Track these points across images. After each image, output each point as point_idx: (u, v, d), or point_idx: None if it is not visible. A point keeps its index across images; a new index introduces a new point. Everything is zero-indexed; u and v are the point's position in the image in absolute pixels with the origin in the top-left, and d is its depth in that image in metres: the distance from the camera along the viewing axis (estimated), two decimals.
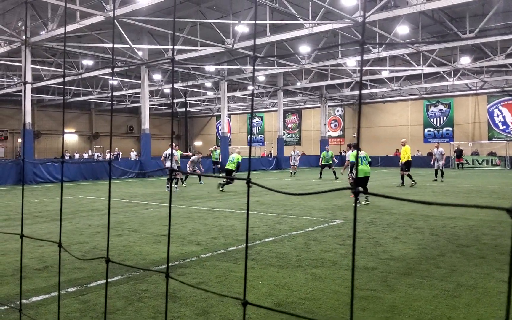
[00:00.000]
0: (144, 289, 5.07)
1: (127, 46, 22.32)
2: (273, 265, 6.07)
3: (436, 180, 21.13)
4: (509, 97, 36.73)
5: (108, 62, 28.36)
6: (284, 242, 7.61)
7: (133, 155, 39.24)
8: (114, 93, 39.83)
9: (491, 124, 37.80)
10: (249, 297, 4.78)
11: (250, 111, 53.27)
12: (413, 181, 18.46)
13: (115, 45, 23.22)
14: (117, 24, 18.97)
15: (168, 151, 17.95)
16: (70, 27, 18.51)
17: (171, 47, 23.00)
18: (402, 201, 1.26)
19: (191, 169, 21.15)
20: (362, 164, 12.41)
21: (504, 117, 37.28)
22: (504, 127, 37.20)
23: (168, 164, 17.72)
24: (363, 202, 12.50)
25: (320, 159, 24.53)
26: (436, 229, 8.45)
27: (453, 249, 6.89)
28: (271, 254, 6.70)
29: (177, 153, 17.92)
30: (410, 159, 18.70)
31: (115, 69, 28.38)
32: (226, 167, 17.65)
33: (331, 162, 23.88)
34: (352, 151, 13.75)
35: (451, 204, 1.17)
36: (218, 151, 27.35)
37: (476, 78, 34.16)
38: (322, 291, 4.97)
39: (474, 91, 38.05)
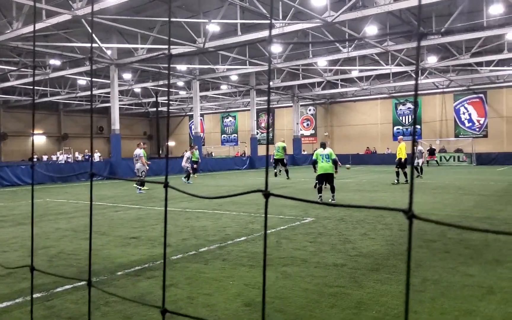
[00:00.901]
0: (111, 293, 4.98)
1: (96, 45, 21.89)
2: (244, 264, 6.07)
3: (418, 176, 21.55)
4: (475, 95, 37.87)
5: (77, 61, 27.75)
6: (256, 241, 7.62)
7: (96, 156, 38.45)
8: (82, 93, 39.01)
9: (458, 122, 38.88)
10: (219, 297, 4.77)
11: (223, 110, 53.17)
12: (398, 180, 18.43)
13: (82, 44, 22.76)
14: (85, 23, 18.57)
15: (136, 151, 17.63)
16: (36, 26, 17.99)
17: (141, 46, 22.71)
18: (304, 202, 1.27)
19: (187, 166, 21.36)
20: (322, 162, 12.62)
21: (470, 115, 38.40)
22: (470, 124, 38.32)
23: (138, 165, 17.44)
24: (329, 200, 12.61)
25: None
26: (404, 225, 8.62)
27: (420, 244, 7.05)
28: (242, 253, 6.70)
29: (142, 151, 17.50)
30: (405, 156, 18.55)
31: (85, 69, 27.77)
32: (275, 158, 19.92)
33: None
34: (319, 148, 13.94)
35: (351, 206, 1.19)
36: (196, 152, 26.85)
37: (443, 77, 35.06)
38: (291, 289, 5.00)
39: (441, 90, 39.05)
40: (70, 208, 12.55)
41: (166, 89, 40.68)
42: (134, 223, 9.70)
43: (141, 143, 18.11)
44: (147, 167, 18.08)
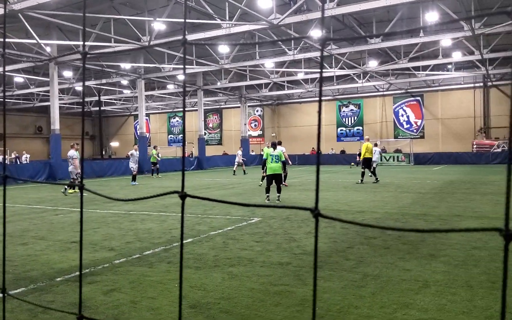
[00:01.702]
0: (50, 299, 4.79)
1: (34, 41, 20.87)
2: (190, 266, 6.02)
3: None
4: (412, 98, 39.79)
5: (12, 58, 26.29)
6: (203, 242, 7.59)
7: (24, 158, 36.44)
8: (20, 91, 37.00)
9: (397, 123, 40.67)
10: (163, 301, 4.70)
11: (170, 110, 52.36)
12: (362, 179, 18.64)
13: (20, 40, 21.61)
14: (22, 18, 17.64)
15: (70, 152, 16.95)
16: None
17: (82, 43, 21.87)
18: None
19: (134, 166, 20.53)
20: (272, 162, 12.94)
21: (408, 117, 40.29)
22: (408, 126, 40.20)
23: (70, 167, 16.79)
24: (276, 201, 12.86)
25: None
26: (346, 223, 8.90)
27: (361, 241, 7.31)
28: (188, 255, 6.64)
29: (76, 154, 16.86)
30: (371, 156, 18.97)
31: (23, 66, 26.31)
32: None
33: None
34: (269, 148, 14.10)
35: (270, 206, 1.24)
36: (155, 151, 26.16)
37: (383, 80, 36.53)
38: (237, 289, 5.02)
39: (382, 93, 40.69)
40: (6, 212, 11.86)
41: (110, 88, 39.51)
42: (75, 226, 9.34)
43: (75, 144, 17.30)
44: (79, 171, 17.37)
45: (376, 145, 24.15)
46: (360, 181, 18.71)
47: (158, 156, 25.85)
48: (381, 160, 34.71)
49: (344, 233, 7.95)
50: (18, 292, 5.06)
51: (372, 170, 19.40)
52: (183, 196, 1.32)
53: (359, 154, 27.06)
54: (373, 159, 21.02)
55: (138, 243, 7.57)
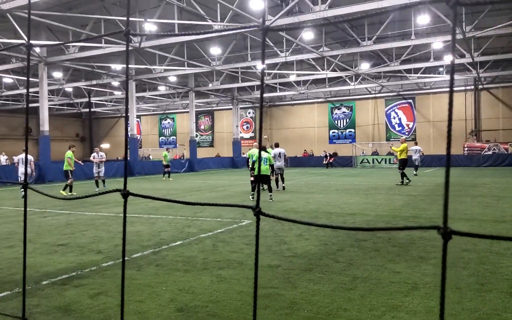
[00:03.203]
0: (35, 304, 4.69)
1: (22, 41, 20.64)
2: (179, 269, 5.96)
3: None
4: (404, 101, 39.99)
5: (2, 58, 26.05)
6: (192, 245, 7.52)
7: (3, 159, 35.68)
8: (9, 92, 36.63)
9: (389, 126, 40.85)
10: (151, 304, 4.63)
11: (161, 112, 52.15)
12: (408, 179, 18.19)
13: (8, 40, 21.39)
14: (10, 18, 17.46)
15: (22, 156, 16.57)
16: None
17: (72, 44, 21.71)
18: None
19: (97, 171, 18.08)
20: (265, 164, 14.14)
21: (400, 119, 40.49)
22: (400, 128, 40.40)
23: (21, 169, 16.46)
24: (269, 199, 13.47)
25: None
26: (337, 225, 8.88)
27: (352, 243, 7.29)
28: (177, 258, 6.57)
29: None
30: (405, 157, 18.29)
31: (12, 66, 26.02)
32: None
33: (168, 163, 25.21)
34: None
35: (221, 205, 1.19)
36: (167, 153, 25.99)
37: (375, 83, 36.69)
38: (226, 292, 4.97)
39: (374, 95, 40.85)
40: None
41: (101, 89, 39.26)
42: (63, 229, 9.22)
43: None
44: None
45: (416, 144, 24.49)
46: (403, 182, 17.99)
47: (168, 159, 25.74)
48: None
49: (335, 236, 7.92)
50: (3, 296, 4.97)
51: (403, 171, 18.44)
52: (125, 194, 1.28)
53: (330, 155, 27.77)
54: (413, 158, 21.06)
55: (127, 246, 7.48)
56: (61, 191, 16.52)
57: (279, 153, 16.87)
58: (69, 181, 16.42)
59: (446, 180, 1.03)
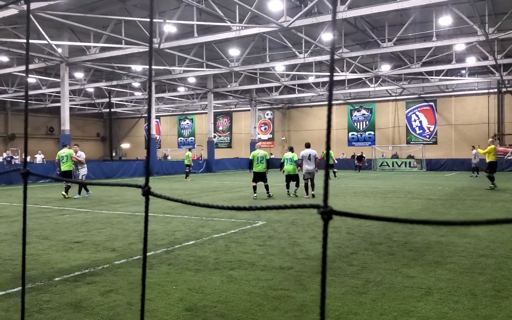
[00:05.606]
0: (47, 299, 4.75)
1: (45, 42, 21.07)
2: (190, 269, 5.95)
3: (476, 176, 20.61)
4: (425, 104, 39.38)
5: (24, 58, 26.60)
6: (205, 245, 7.51)
7: (40, 158, 36.47)
8: (32, 92, 37.42)
9: (409, 129, 40.28)
10: (160, 303, 4.64)
11: (180, 112, 52.54)
12: (493, 184, 17.19)
13: (32, 41, 21.82)
14: (33, 19, 17.82)
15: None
16: None
17: (93, 44, 22.03)
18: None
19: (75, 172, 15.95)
20: (287, 164, 15.18)
21: (420, 122, 39.89)
22: (421, 131, 39.80)
23: (83, 170, 16.22)
24: (266, 195, 15.00)
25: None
26: (352, 228, 8.76)
27: (366, 247, 7.17)
28: (189, 258, 6.58)
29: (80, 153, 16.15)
30: (493, 159, 17.07)
31: (35, 66, 26.56)
32: (255, 171, 14.84)
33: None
34: (287, 152, 15.95)
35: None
36: (190, 154, 26.19)
37: (396, 85, 36.23)
38: (236, 293, 4.94)
39: (394, 97, 40.35)
40: (13, 211, 11.95)
41: (122, 90, 39.77)
42: (79, 227, 9.34)
43: (75, 145, 16.52)
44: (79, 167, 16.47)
45: (473, 148, 24.23)
46: (495, 185, 17.17)
47: (190, 159, 25.81)
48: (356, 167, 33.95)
49: (349, 239, 7.82)
50: (16, 291, 5.04)
51: (489, 174, 17.39)
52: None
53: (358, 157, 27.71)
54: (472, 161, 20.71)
55: (140, 244, 7.53)
56: (63, 193, 15.48)
57: (309, 155, 15.01)
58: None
59: (326, 159, 1.09)
